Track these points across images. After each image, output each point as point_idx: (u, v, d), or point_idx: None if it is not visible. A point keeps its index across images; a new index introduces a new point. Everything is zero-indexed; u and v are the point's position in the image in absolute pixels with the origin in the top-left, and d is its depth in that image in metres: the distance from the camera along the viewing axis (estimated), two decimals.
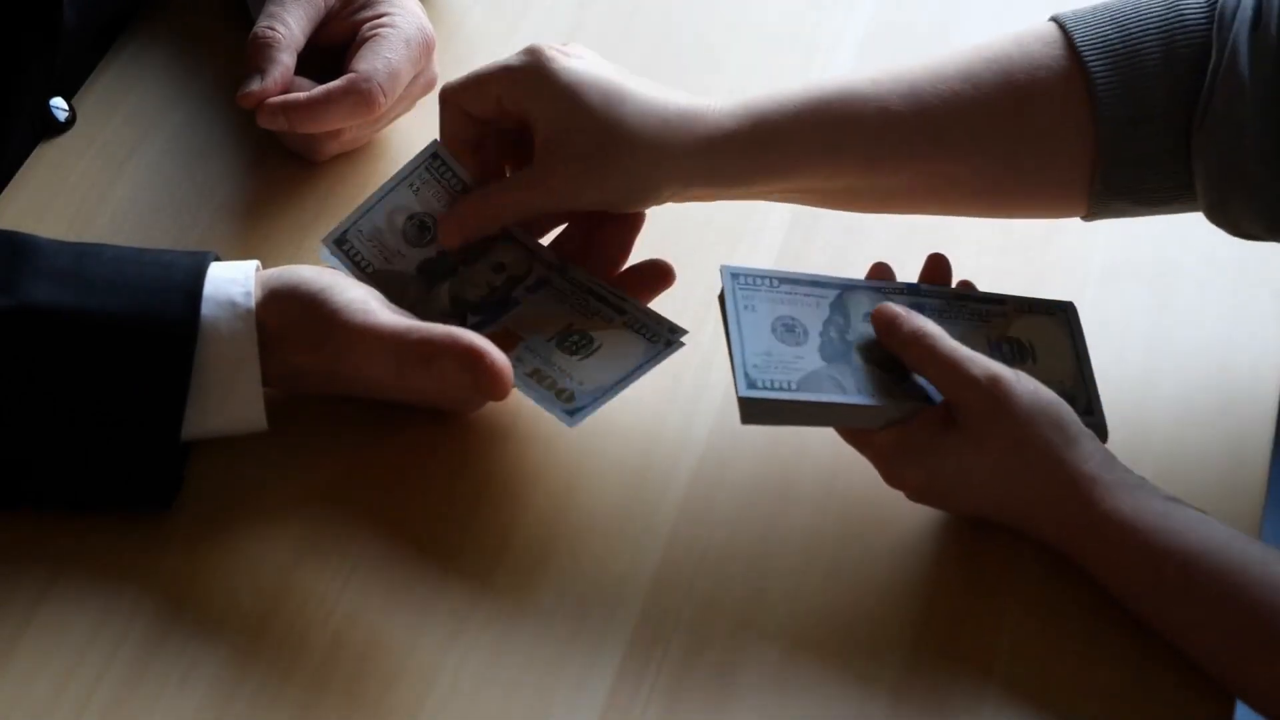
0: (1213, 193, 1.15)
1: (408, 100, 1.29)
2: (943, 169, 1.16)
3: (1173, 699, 1.07)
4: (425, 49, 1.28)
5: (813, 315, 1.13)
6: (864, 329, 1.14)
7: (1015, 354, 1.15)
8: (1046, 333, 1.17)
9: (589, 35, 1.41)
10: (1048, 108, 1.15)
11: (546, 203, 1.16)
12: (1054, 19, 1.18)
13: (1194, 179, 1.15)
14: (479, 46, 1.40)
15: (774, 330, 1.12)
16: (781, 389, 1.09)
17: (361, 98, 1.24)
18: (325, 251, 1.16)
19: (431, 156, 1.18)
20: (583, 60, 1.14)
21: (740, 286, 1.13)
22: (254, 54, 1.25)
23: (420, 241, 1.17)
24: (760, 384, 1.09)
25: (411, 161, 1.18)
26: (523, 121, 1.15)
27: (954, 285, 1.18)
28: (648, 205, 1.16)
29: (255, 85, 1.24)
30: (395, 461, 1.15)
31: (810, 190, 1.18)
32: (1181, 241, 1.26)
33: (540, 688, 1.07)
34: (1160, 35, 1.15)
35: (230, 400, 1.11)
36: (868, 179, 1.17)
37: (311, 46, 1.28)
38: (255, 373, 1.11)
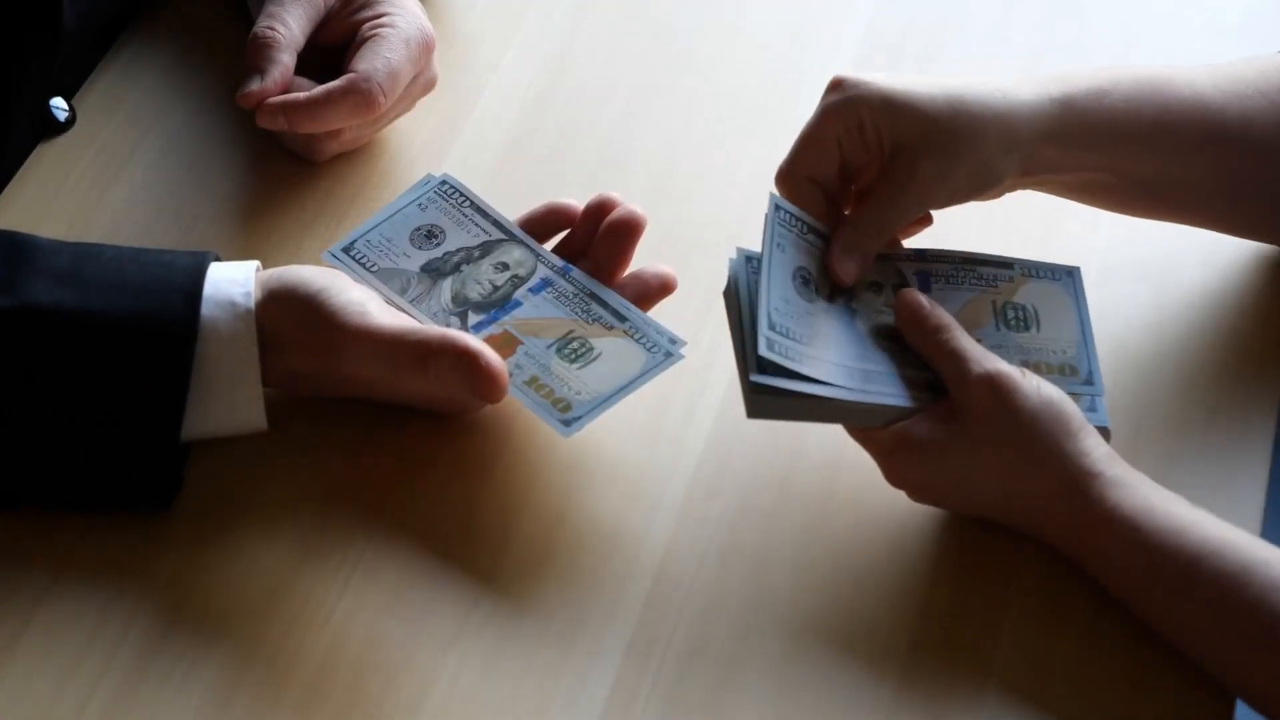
0: None
1: (408, 100, 1.29)
2: (1250, 165, 1.18)
3: (1173, 699, 1.07)
4: (425, 49, 1.27)
5: (824, 274, 1.14)
6: (868, 297, 1.14)
7: (1020, 321, 1.16)
8: (1051, 299, 1.17)
9: (589, 36, 1.41)
10: None
11: (918, 206, 1.16)
12: None
13: None
14: (479, 47, 1.40)
15: (794, 279, 1.12)
16: (793, 357, 1.08)
17: (361, 98, 1.24)
18: (326, 253, 1.16)
19: (439, 184, 1.19)
20: (890, 77, 1.15)
21: (780, 221, 1.13)
22: (254, 54, 1.25)
23: (427, 245, 1.17)
24: (779, 328, 1.08)
25: (413, 188, 1.19)
26: (865, 154, 1.15)
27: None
28: (995, 193, 1.17)
29: (255, 85, 1.24)
30: (395, 461, 1.15)
31: (1116, 186, 1.19)
32: (1181, 241, 1.26)
33: (540, 688, 1.07)
34: None
35: (230, 400, 1.11)
36: (1180, 166, 1.18)
37: (311, 46, 1.28)
38: (255, 373, 1.11)
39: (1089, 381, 1.14)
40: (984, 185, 1.16)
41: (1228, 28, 1.43)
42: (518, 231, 1.18)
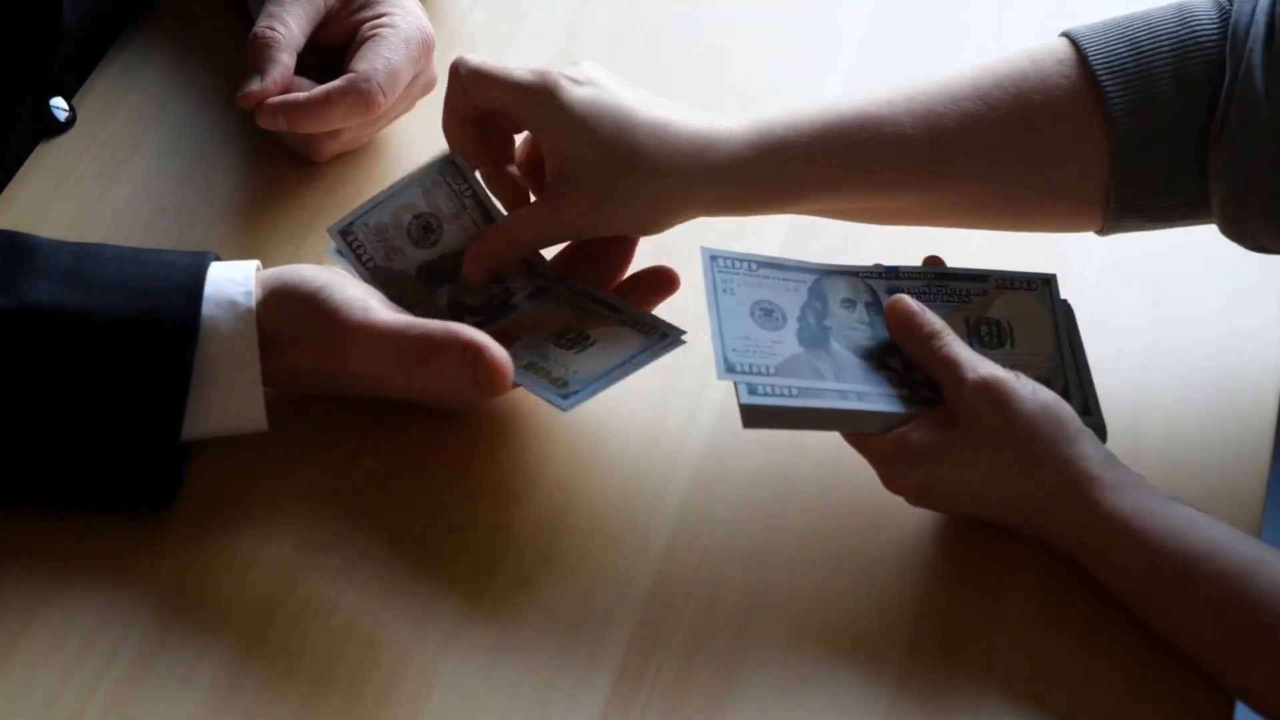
0: (1229, 209, 1.14)
1: (408, 100, 1.29)
2: (958, 191, 1.16)
3: (1173, 699, 1.07)
4: (425, 49, 1.27)
5: (790, 300, 1.13)
6: (842, 314, 1.14)
7: (994, 336, 1.16)
8: (1026, 311, 1.17)
9: (588, 36, 1.41)
10: (1062, 128, 1.15)
11: (565, 233, 1.16)
12: (1067, 35, 1.17)
13: (1209, 196, 1.15)
14: (479, 47, 1.40)
15: (752, 314, 1.12)
16: (783, 394, 1.09)
17: (361, 98, 1.24)
18: (331, 245, 1.16)
19: (445, 161, 1.18)
20: (593, 86, 1.13)
21: (719, 269, 1.12)
22: (253, 54, 1.25)
23: (424, 242, 1.17)
24: (739, 368, 1.09)
25: (423, 165, 1.18)
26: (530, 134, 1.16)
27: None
28: (665, 229, 1.16)
29: (255, 85, 1.24)
30: (395, 461, 1.15)
31: (824, 210, 1.18)
32: (1181, 241, 1.26)
33: (540, 688, 1.07)
34: (1173, 52, 1.14)
35: (230, 400, 1.11)
36: (883, 201, 1.17)
37: (311, 46, 1.28)
38: (256, 372, 1.11)
39: (1066, 395, 1.13)
40: (642, 228, 1.15)
41: None
42: None
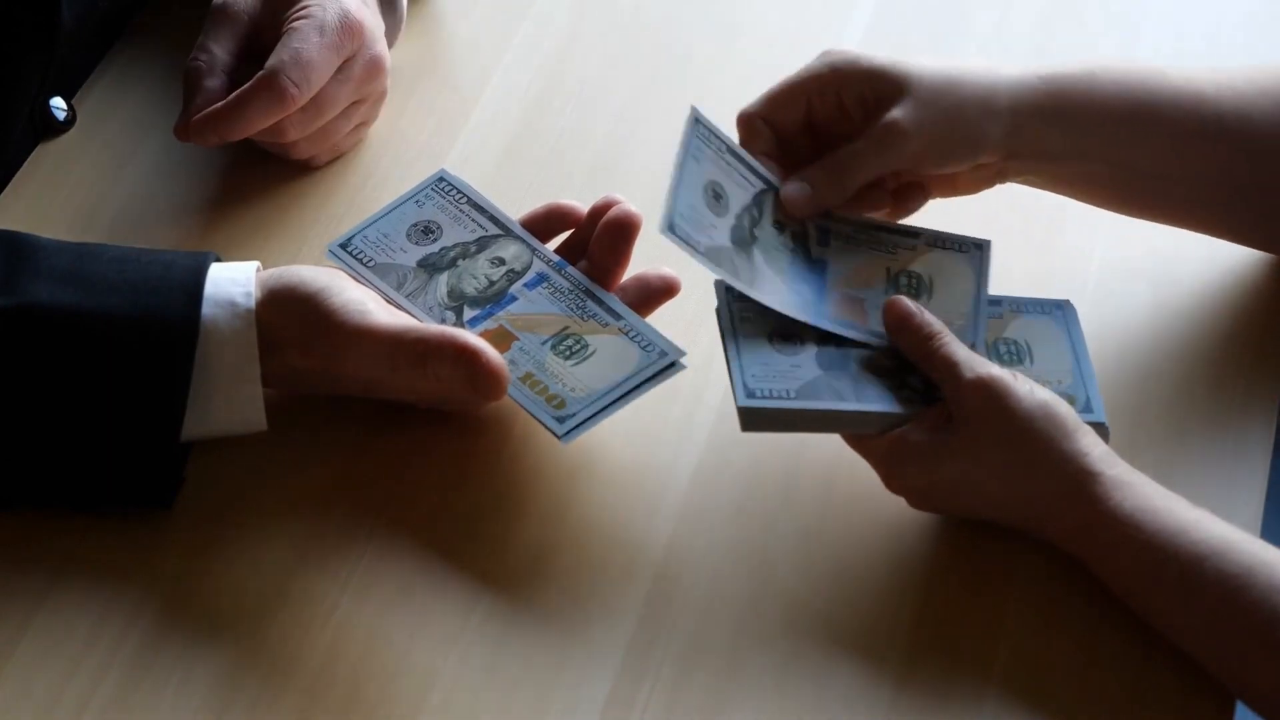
0: None
1: (353, 83, 1.27)
2: (1241, 164, 1.19)
3: (1173, 699, 1.07)
4: (347, 32, 1.25)
5: (738, 195, 1.15)
6: (771, 231, 1.15)
7: (910, 287, 1.16)
8: (950, 269, 1.17)
9: (588, 36, 1.41)
10: None
11: (894, 150, 1.16)
12: None
13: None
14: (479, 47, 1.40)
15: (704, 192, 1.13)
16: (780, 397, 1.09)
17: (272, 93, 1.22)
18: (330, 248, 1.17)
19: (437, 180, 1.19)
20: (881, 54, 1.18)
21: (697, 134, 1.15)
22: (184, 88, 1.25)
23: (424, 242, 1.18)
24: (679, 230, 1.11)
25: (415, 186, 1.19)
26: (837, 120, 1.18)
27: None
28: (986, 174, 1.19)
29: (183, 119, 1.24)
30: (395, 461, 1.15)
31: (1107, 166, 1.20)
32: (1182, 241, 1.26)
33: (540, 688, 1.07)
34: None
35: (231, 401, 1.11)
36: (1168, 159, 1.19)
37: (256, 59, 1.26)
38: (255, 373, 1.11)
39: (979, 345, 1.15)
40: (966, 146, 1.17)
41: (1228, 30, 1.43)
42: (514, 227, 1.18)
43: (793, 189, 1.17)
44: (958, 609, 1.11)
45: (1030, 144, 1.17)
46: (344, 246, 1.17)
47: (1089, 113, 1.17)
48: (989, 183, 1.20)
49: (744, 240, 1.14)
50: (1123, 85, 1.18)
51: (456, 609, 1.10)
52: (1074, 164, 1.18)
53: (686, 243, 1.11)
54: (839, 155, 1.17)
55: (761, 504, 1.15)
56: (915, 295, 1.15)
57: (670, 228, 1.11)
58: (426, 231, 1.18)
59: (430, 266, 1.17)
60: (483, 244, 1.18)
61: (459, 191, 1.19)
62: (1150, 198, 1.21)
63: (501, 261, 1.17)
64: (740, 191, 1.16)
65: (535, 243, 1.18)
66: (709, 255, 1.12)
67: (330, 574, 1.10)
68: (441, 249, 1.17)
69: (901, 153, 1.16)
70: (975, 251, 1.18)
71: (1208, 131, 1.18)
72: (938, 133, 1.16)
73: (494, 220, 1.19)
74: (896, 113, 1.15)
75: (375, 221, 1.18)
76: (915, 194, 1.20)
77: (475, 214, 1.19)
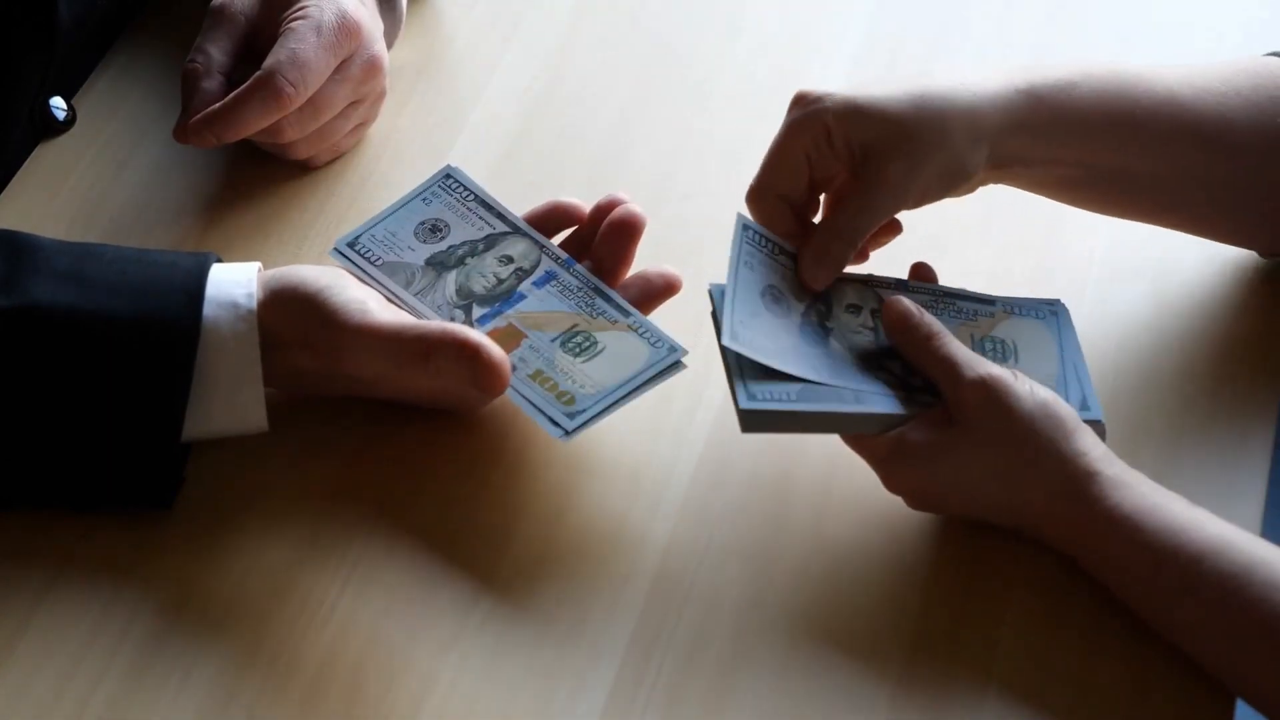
0: None
1: (351, 83, 1.27)
2: (1219, 164, 1.18)
3: (1173, 699, 1.07)
4: (344, 32, 1.25)
5: (799, 294, 1.14)
6: (845, 318, 1.14)
7: (997, 353, 1.16)
8: (1032, 334, 1.17)
9: (588, 36, 1.41)
10: None
11: (889, 208, 1.15)
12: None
13: None
14: (479, 47, 1.40)
15: (763, 296, 1.12)
16: (781, 399, 1.09)
17: (268, 93, 1.22)
18: (332, 247, 1.17)
19: (444, 176, 1.19)
20: (852, 86, 1.15)
21: (747, 240, 1.13)
22: (182, 91, 1.25)
23: (432, 240, 1.18)
24: (742, 340, 1.09)
25: (422, 183, 1.19)
26: (835, 165, 1.16)
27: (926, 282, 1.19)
28: (968, 188, 1.17)
29: (180, 121, 1.24)
30: (395, 461, 1.15)
31: (1085, 170, 1.19)
32: (1181, 242, 1.26)
33: (540, 688, 1.07)
34: None
35: (232, 401, 1.11)
36: (1145, 162, 1.19)
37: (255, 60, 1.27)
38: (257, 374, 1.11)
39: (1085, 407, 1.13)
40: (955, 181, 1.16)
41: (1227, 30, 1.43)
42: (522, 224, 1.19)
43: (812, 267, 1.15)
44: (958, 609, 1.11)
45: (1011, 155, 1.16)
46: (352, 245, 1.17)
47: (1068, 123, 1.16)
48: (966, 194, 1.19)
49: (818, 336, 1.13)
50: (1100, 93, 1.17)
51: (456, 609, 1.10)
52: (1051, 168, 1.18)
53: (771, 400, 1.09)
54: (839, 221, 1.15)
55: (761, 504, 1.15)
56: (1003, 361, 1.15)
57: (734, 340, 1.09)
58: (434, 230, 1.18)
59: (439, 265, 1.17)
60: (490, 242, 1.18)
61: (466, 189, 1.19)
62: (1129, 199, 1.21)
63: (510, 259, 1.17)
64: (798, 288, 1.14)
65: (543, 240, 1.18)
66: (781, 360, 1.10)
67: (330, 574, 1.10)
68: (449, 247, 1.18)
69: (900, 205, 1.16)
70: (1052, 316, 1.18)
71: (1183, 134, 1.18)
72: (932, 175, 1.15)
73: (501, 218, 1.19)
74: (894, 168, 1.13)
75: (383, 220, 1.18)
76: (890, 231, 1.19)
77: (483, 212, 1.19)
